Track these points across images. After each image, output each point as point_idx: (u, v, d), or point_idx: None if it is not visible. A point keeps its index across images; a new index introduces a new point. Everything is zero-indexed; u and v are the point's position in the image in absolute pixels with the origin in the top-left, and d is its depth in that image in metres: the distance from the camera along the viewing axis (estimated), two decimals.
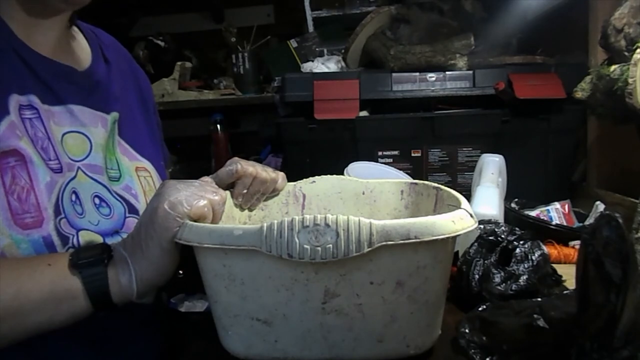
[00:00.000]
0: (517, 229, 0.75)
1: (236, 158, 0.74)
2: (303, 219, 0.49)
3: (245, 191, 0.74)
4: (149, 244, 0.57)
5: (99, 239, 0.67)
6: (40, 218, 0.61)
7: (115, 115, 0.76)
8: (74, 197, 0.66)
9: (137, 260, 0.57)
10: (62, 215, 0.63)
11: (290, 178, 0.80)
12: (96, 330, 0.67)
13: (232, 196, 0.75)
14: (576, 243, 0.92)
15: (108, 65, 0.79)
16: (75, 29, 0.78)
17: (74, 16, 0.75)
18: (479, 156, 1.05)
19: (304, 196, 0.79)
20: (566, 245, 0.92)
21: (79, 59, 0.75)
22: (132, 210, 0.73)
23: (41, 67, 0.67)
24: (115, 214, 0.71)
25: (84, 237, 0.65)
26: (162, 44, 2.17)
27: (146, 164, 0.80)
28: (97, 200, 0.69)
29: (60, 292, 0.56)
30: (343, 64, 1.46)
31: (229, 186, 0.75)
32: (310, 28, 1.92)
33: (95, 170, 0.70)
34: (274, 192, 0.78)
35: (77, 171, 0.68)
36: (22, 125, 0.63)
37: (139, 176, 0.77)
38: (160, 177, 0.82)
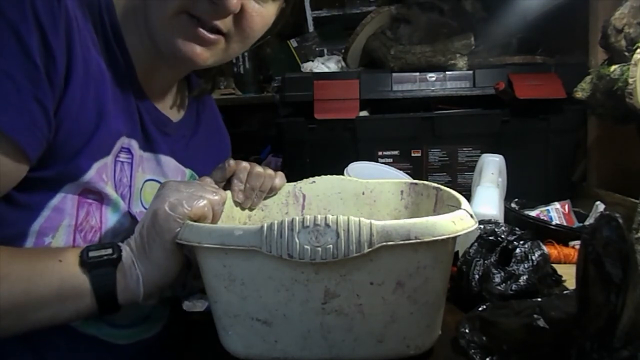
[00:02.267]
0: (517, 229, 0.75)
1: (229, 159, 0.75)
2: (303, 219, 0.49)
3: (243, 187, 0.74)
4: (152, 246, 0.57)
5: None
6: None
7: (191, 172, 0.78)
8: None
9: (142, 262, 0.57)
10: None
11: (290, 178, 0.80)
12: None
13: (231, 194, 0.74)
14: (576, 243, 0.92)
15: (198, 124, 0.81)
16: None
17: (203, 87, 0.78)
18: (479, 156, 1.05)
19: (304, 196, 0.79)
20: (566, 245, 0.92)
21: (175, 109, 0.77)
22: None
23: (147, 114, 0.69)
24: None
25: None
26: None
27: None
28: None
29: (68, 290, 0.55)
30: (343, 64, 1.46)
31: (227, 186, 0.75)
32: (310, 28, 1.93)
33: None
34: (273, 192, 0.78)
35: None
36: (112, 168, 0.63)
37: None
38: None
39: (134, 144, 0.67)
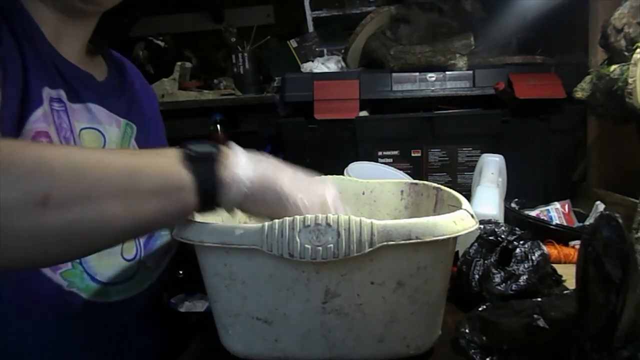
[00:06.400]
0: (517, 229, 0.75)
1: None
2: (304, 218, 0.49)
3: None
4: (269, 200, 0.55)
5: None
6: None
7: (127, 122, 0.80)
8: None
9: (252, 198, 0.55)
10: None
11: None
12: (96, 332, 0.68)
13: None
14: (576, 243, 0.92)
15: (123, 85, 0.84)
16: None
17: (100, 38, 0.80)
18: (479, 156, 1.05)
19: None
20: (566, 245, 0.92)
21: (97, 72, 0.79)
22: None
23: (67, 70, 0.71)
24: None
25: None
26: (162, 44, 2.17)
27: None
28: None
29: (172, 183, 0.52)
30: (343, 64, 1.46)
31: None
32: (310, 28, 1.92)
33: None
34: None
35: None
36: (51, 115, 0.66)
37: None
38: None
39: (63, 94, 0.69)
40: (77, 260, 0.65)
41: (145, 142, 0.82)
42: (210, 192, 0.53)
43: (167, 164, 0.53)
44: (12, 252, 0.45)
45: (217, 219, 0.71)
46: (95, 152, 0.55)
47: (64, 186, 0.46)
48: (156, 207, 0.51)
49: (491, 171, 0.98)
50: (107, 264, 0.69)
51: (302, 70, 1.46)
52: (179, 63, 2.05)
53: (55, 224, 0.45)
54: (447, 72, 1.25)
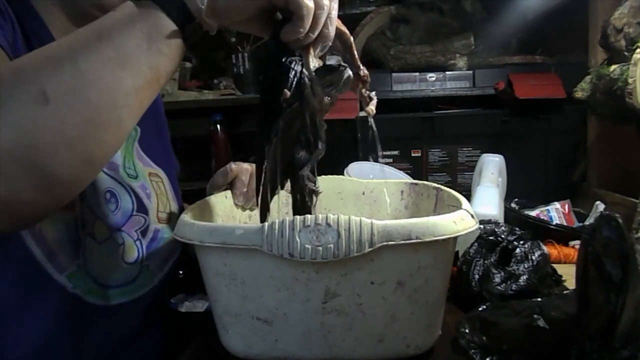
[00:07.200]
0: (517, 229, 0.75)
1: (230, 162, 0.75)
2: (304, 218, 0.49)
3: (245, 189, 0.74)
4: None
5: (106, 231, 0.68)
6: (73, 200, 0.63)
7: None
8: (92, 189, 0.68)
9: None
10: (86, 202, 0.66)
11: None
12: (96, 333, 0.68)
13: (232, 196, 0.75)
14: (576, 243, 0.92)
15: None
16: None
17: None
18: (479, 156, 1.05)
19: None
20: (566, 245, 0.92)
21: None
22: (141, 208, 0.74)
23: None
24: (120, 211, 0.71)
25: (98, 225, 0.67)
26: None
27: (159, 170, 0.82)
28: (108, 195, 0.71)
29: (143, 21, 0.49)
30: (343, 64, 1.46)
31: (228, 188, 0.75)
32: None
33: (111, 167, 0.72)
34: None
35: None
36: None
37: (152, 180, 0.79)
38: (172, 184, 0.83)
39: None
40: (81, 263, 0.65)
41: (148, 144, 0.81)
42: (177, 6, 0.50)
43: (128, 11, 0.50)
44: (54, 163, 0.44)
45: (217, 219, 0.72)
46: (64, 40, 0.51)
47: (54, 77, 0.45)
48: (145, 51, 0.49)
49: (491, 171, 0.99)
50: (108, 266, 0.68)
51: None
52: None
53: (65, 114, 0.44)
54: (447, 72, 1.26)
